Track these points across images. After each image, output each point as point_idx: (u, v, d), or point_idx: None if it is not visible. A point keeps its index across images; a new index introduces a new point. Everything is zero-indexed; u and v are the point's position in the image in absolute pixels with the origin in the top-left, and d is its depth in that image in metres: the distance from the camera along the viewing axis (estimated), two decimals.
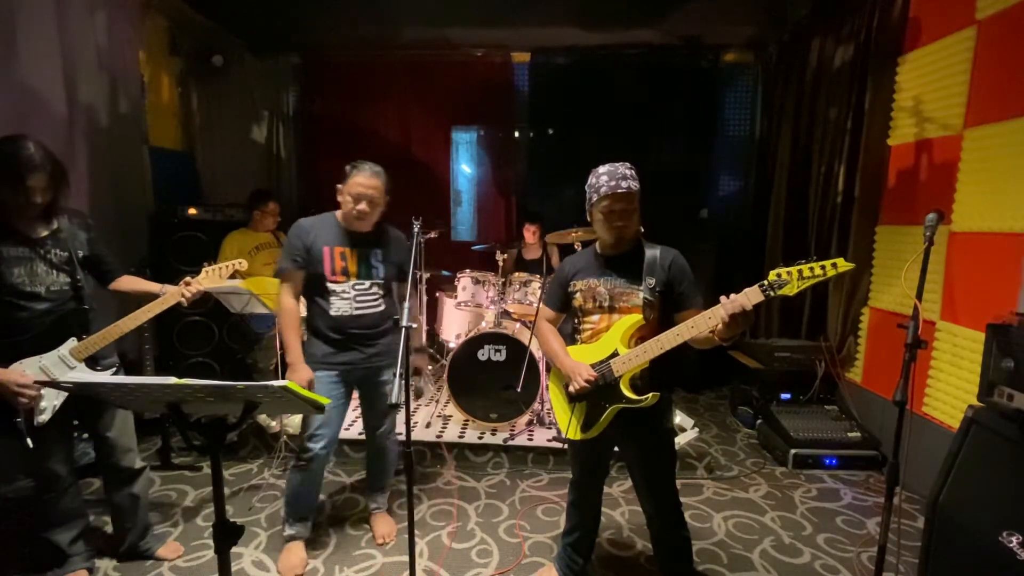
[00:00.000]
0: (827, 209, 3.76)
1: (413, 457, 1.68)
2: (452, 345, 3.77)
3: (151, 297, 2.09)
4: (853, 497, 2.88)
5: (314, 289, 2.22)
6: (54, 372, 1.92)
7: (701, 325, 1.65)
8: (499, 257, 3.98)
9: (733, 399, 4.12)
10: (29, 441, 1.88)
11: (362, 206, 2.16)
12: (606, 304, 1.84)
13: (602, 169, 1.81)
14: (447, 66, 4.98)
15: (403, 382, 1.62)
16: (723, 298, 1.59)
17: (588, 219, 1.89)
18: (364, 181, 2.15)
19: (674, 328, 1.69)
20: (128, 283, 2.17)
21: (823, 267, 1.53)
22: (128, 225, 3.56)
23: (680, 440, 3.23)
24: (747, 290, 1.58)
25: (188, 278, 2.11)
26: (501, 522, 2.61)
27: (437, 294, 4.14)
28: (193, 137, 4.42)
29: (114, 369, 2.13)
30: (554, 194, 4.95)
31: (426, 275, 4.07)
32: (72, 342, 1.97)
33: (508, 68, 5.02)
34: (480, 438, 3.22)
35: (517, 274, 3.71)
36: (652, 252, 1.81)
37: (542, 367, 3.24)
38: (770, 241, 4.36)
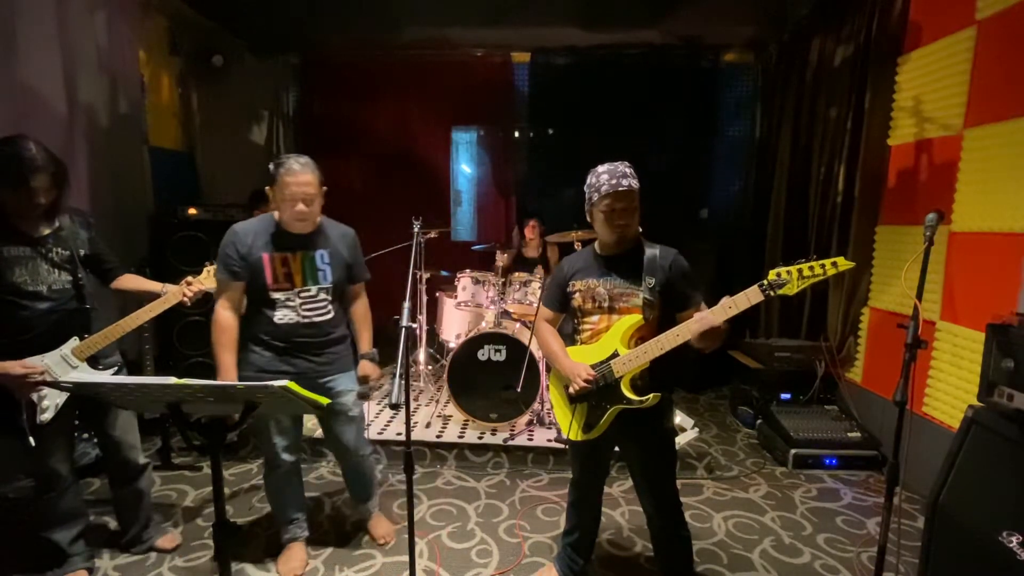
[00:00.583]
0: (827, 209, 3.76)
1: (413, 457, 1.68)
2: (452, 345, 3.78)
3: (152, 296, 2.09)
4: (853, 497, 2.88)
5: (255, 299, 2.04)
6: (56, 371, 1.92)
7: (668, 342, 1.67)
8: (499, 257, 3.98)
9: (733, 399, 4.12)
10: (31, 439, 1.89)
11: (300, 207, 1.94)
12: (606, 304, 1.84)
13: (602, 168, 1.80)
14: (447, 66, 4.99)
15: (403, 382, 1.61)
16: (698, 314, 1.62)
17: (588, 219, 1.88)
18: (296, 179, 1.91)
19: (673, 328, 1.70)
20: (129, 282, 2.17)
21: (823, 266, 1.53)
22: (128, 225, 3.57)
23: (680, 440, 3.23)
24: (747, 290, 1.58)
25: (189, 278, 2.11)
26: (501, 522, 2.61)
27: (437, 294, 4.14)
28: (193, 137, 4.42)
29: (116, 368, 2.14)
30: (554, 194, 4.96)
31: (426, 275, 4.08)
32: (74, 341, 1.98)
33: (508, 68, 5.03)
34: (480, 438, 3.22)
35: (517, 274, 3.71)
36: (652, 251, 1.81)
37: (542, 367, 3.24)
38: (770, 241, 4.36)
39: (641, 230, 1.88)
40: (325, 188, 2.04)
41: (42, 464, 2.00)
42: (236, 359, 2.02)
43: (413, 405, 3.09)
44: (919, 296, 1.68)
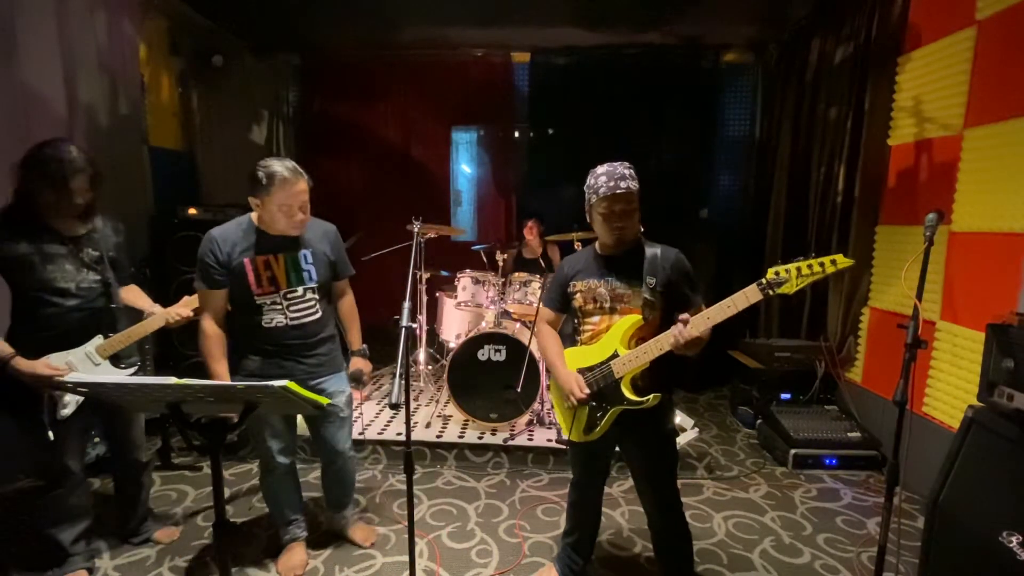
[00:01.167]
0: (827, 209, 3.76)
1: (413, 457, 1.67)
2: (452, 345, 3.78)
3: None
4: (853, 497, 2.88)
5: (240, 305, 1.99)
6: (79, 368, 1.97)
7: (652, 351, 1.69)
8: (499, 257, 3.98)
9: (733, 399, 4.12)
10: (51, 433, 1.93)
11: (300, 216, 1.93)
12: (607, 305, 1.83)
13: (600, 169, 1.79)
14: (447, 66, 4.99)
15: (403, 382, 1.60)
16: (675, 327, 1.63)
17: (588, 220, 1.88)
18: (292, 190, 1.87)
19: (656, 337, 1.70)
20: (130, 294, 2.22)
21: (822, 264, 1.52)
22: (128, 225, 3.52)
23: (680, 440, 3.22)
24: (745, 289, 1.58)
25: (186, 297, 2.16)
26: (501, 522, 2.61)
27: (437, 294, 4.14)
28: (193, 137, 4.42)
29: (135, 368, 2.19)
30: (554, 194, 4.95)
31: (426, 275, 4.08)
32: (98, 339, 2.02)
33: (508, 68, 5.03)
34: (480, 438, 3.22)
35: (517, 274, 3.71)
36: (652, 251, 1.80)
37: (542, 367, 3.24)
38: (770, 241, 4.36)
39: (643, 230, 1.88)
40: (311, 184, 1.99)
41: (56, 459, 2.02)
42: (228, 367, 1.99)
43: (413, 405, 3.09)
44: (919, 296, 1.68)
